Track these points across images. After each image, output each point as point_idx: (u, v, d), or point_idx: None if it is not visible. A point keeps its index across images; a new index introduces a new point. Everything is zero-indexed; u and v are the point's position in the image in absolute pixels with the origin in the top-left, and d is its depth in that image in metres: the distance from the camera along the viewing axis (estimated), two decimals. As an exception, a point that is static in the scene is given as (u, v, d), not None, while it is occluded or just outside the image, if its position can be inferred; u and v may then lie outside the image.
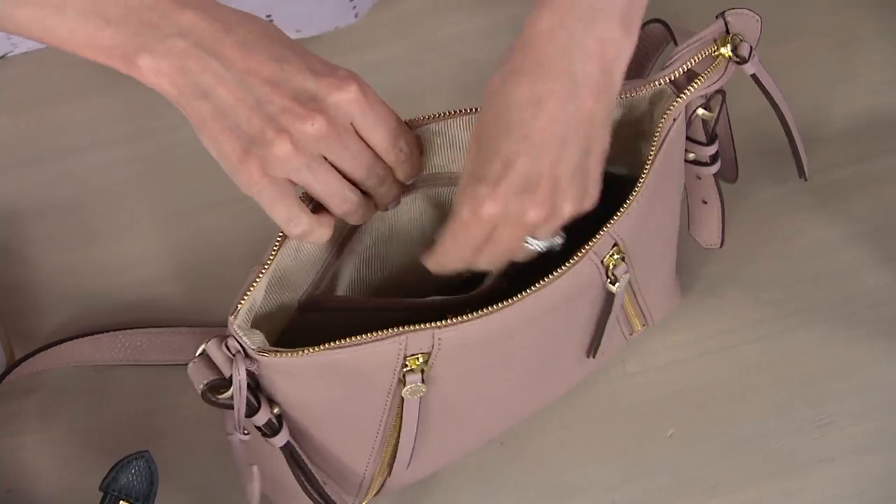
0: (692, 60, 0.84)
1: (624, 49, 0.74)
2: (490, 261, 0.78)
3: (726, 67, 0.85)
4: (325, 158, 0.74)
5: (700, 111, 0.85)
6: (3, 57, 1.06)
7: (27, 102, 1.05)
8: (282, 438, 0.80)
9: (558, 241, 0.79)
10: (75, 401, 0.95)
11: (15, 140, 1.03)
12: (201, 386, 0.76)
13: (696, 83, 0.83)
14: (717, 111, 0.86)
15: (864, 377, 0.97)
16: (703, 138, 0.87)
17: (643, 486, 0.94)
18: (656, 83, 0.83)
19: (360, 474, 0.87)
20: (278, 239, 0.78)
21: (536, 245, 0.78)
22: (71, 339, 0.95)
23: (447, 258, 0.78)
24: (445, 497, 0.93)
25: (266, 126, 0.71)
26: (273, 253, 0.78)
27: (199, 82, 0.71)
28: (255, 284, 0.77)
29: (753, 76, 0.86)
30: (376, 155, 0.76)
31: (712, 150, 0.88)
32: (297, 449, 0.82)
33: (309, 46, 1.01)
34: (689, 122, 0.86)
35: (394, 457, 0.86)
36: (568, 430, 0.95)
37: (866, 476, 0.94)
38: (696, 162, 0.89)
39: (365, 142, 0.75)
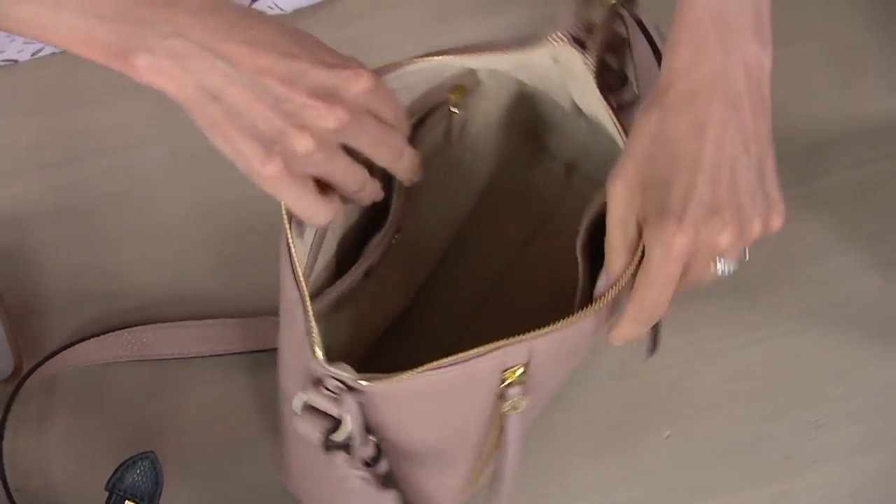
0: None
1: (766, 62, 0.73)
2: (672, 293, 0.75)
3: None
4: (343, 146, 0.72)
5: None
6: (14, 62, 1.05)
7: (48, 105, 1.04)
8: (383, 466, 0.77)
9: (745, 258, 0.76)
10: (81, 402, 0.95)
11: (38, 143, 1.03)
12: (319, 436, 0.72)
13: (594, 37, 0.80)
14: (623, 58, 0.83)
15: (858, 380, 0.97)
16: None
17: (640, 487, 0.94)
18: (554, 38, 0.80)
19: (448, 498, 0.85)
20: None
21: (725, 268, 0.75)
22: (77, 342, 0.95)
23: (644, 311, 0.75)
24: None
25: (287, 124, 0.69)
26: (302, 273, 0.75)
27: (205, 83, 0.69)
28: (309, 312, 0.74)
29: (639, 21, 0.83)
30: (391, 129, 0.74)
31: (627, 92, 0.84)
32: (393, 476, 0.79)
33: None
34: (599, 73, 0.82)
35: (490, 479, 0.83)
36: (567, 431, 0.95)
37: (860, 477, 0.94)
38: None
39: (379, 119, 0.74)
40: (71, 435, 0.94)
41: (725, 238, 0.72)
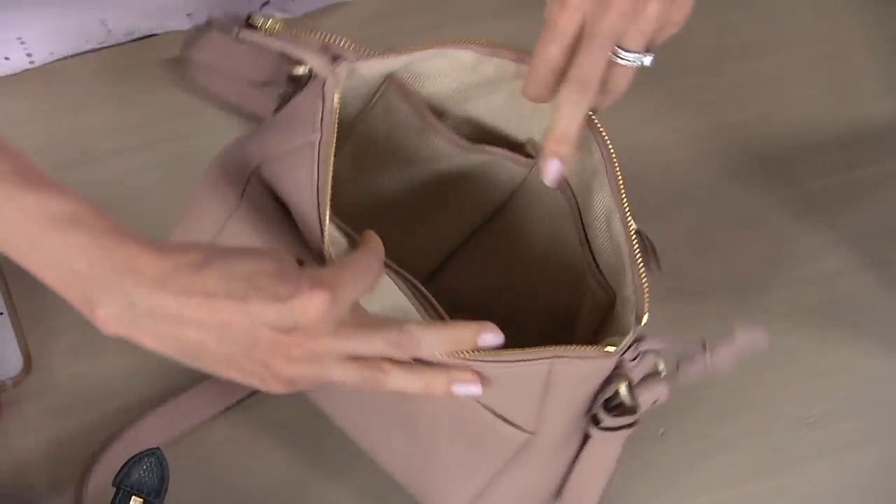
0: None
1: None
2: (583, 80, 0.77)
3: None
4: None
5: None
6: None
7: (50, 111, 1.05)
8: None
9: (648, 59, 0.79)
10: (88, 401, 0.95)
11: (41, 147, 1.03)
12: None
13: None
14: None
15: (849, 377, 0.97)
16: None
17: (637, 483, 0.94)
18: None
19: None
20: None
21: (628, 59, 0.78)
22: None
23: (539, 66, 0.78)
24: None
25: (265, 366, 0.73)
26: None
27: (179, 345, 0.73)
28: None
29: None
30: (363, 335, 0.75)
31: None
32: None
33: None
34: None
35: None
36: None
37: (852, 472, 0.94)
38: None
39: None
40: (77, 432, 0.94)
41: (620, 6, 0.75)
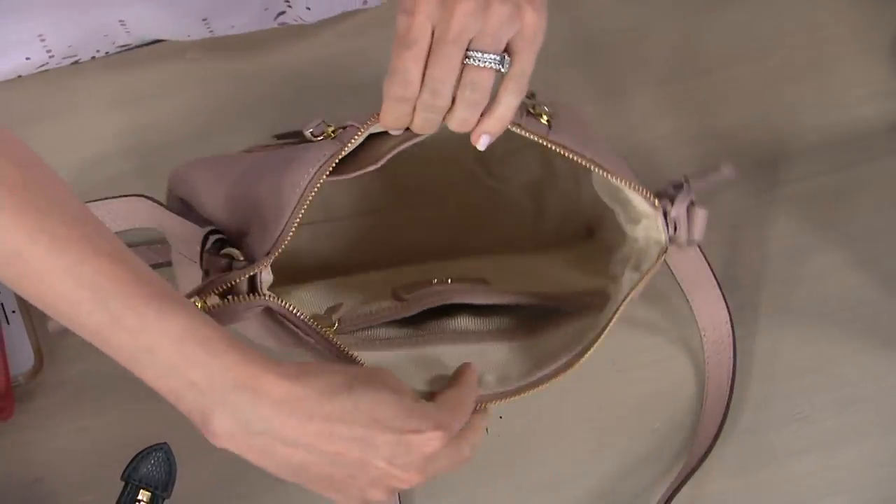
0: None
1: None
2: (436, 88, 0.77)
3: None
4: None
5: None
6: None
7: (63, 110, 1.05)
8: None
9: (506, 62, 0.77)
10: (98, 396, 0.96)
11: (53, 147, 1.03)
12: None
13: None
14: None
15: (838, 373, 0.98)
16: None
17: (631, 477, 0.94)
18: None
19: None
20: None
21: (480, 60, 0.76)
22: None
23: (394, 77, 0.77)
24: (444, 486, 0.94)
25: (365, 488, 0.74)
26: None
27: (289, 464, 0.73)
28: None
29: None
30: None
31: None
32: None
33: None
34: None
35: None
36: (560, 424, 0.96)
37: (841, 467, 0.95)
38: None
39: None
40: (88, 427, 0.95)
41: (463, 7, 0.74)
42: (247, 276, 0.79)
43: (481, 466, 0.94)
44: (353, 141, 0.81)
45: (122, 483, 0.82)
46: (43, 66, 1.05)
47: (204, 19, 1.04)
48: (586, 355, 0.88)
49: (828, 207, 1.03)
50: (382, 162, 0.82)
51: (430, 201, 0.98)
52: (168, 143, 1.03)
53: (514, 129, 0.82)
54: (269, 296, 0.79)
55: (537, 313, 0.92)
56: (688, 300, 0.98)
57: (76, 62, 1.06)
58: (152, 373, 0.72)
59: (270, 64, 1.07)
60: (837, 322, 0.99)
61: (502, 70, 0.77)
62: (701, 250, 0.96)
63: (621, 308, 0.88)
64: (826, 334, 0.99)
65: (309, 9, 1.05)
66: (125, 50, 1.06)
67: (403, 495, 0.93)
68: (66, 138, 1.04)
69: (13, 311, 0.97)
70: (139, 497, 0.82)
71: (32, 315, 0.98)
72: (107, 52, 1.06)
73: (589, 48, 1.08)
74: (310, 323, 0.81)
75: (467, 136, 0.80)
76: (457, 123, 0.79)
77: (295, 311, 0.80)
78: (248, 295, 0.79)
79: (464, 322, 0.91)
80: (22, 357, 0.96)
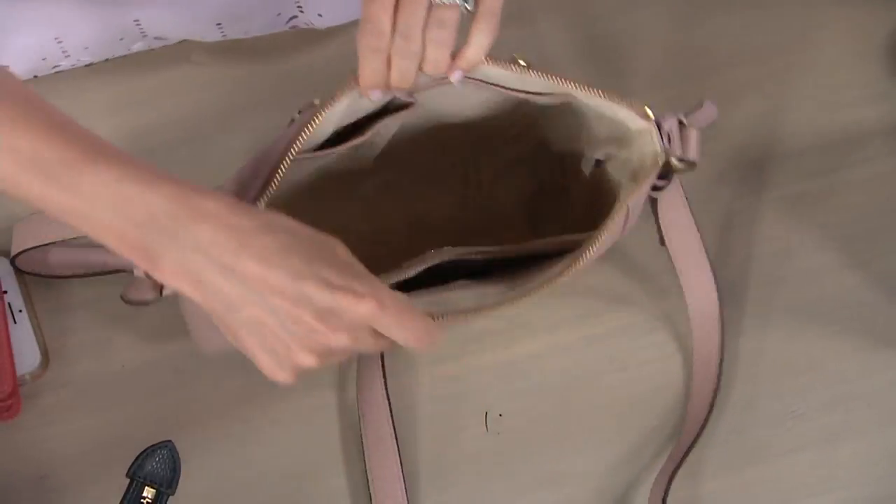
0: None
1: None
2: (407, 31, 0.79)
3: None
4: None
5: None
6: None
7: (85, 113, 1.04)
8: None
9: (471, 1, 0.80)
10: (103, 395, 0.96)
11: None
12: None
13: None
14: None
15: (833, 372, 0.98)
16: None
17: (627, 473, 0.95)
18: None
19: None
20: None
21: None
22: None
23: (366, 35, 0.79)
24: (444, 482, 0.95)
25: (293, 346, 0.73)
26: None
27: (220, 298, 0.72)
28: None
29: None
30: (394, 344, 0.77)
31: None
32: None
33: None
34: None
35: None
36: (558, 423, 0.96)
37: (836, 464, 0.95)
38: None
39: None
40: (94, 425, 0.95)
41: None
42: None
43: (481, 463, 0.95)
44: (320, 115, 0.82)
45: (128, 480, 0.83)
46: (57, 66, 1.05)
47: (218, 24, 1.04)
48: (579, 264, 0.87)
49: (822, 208, 1.03)
50: (368, 135, 0.85)
51: (425, 233, 0.98)
52: (171, 145, 1.04)
53: (492, 65, 0.84)
54: None
55: (531, 268, 0.92)
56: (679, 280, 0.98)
57: (90, 65, 1.07)
58: (97, 222, 0.72)
59: (275, 68, 1.07)
60: (832, 321, 1.00)
61: (468, 8, 0.80)
62: (697, 228, 0.97)
63: (617, 215, 0.87)
64: (820, 334, 0.99)
65: (321, 15, 1.05)
66: (142, 52, 1.07)
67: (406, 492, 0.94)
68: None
69: (20, 311, 0.97)
70: (144, 494, 0.82)
71: (39, 315, 0.98)
72: (124, 54, 1.07)
73: (587, 51, 1.08)
74: None
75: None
76: (430, 65, 0.81)
77: None
78: None
79: (461, 283, 0.91)
80: (29, 356, 0.96)
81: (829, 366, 0.98)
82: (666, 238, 0.96)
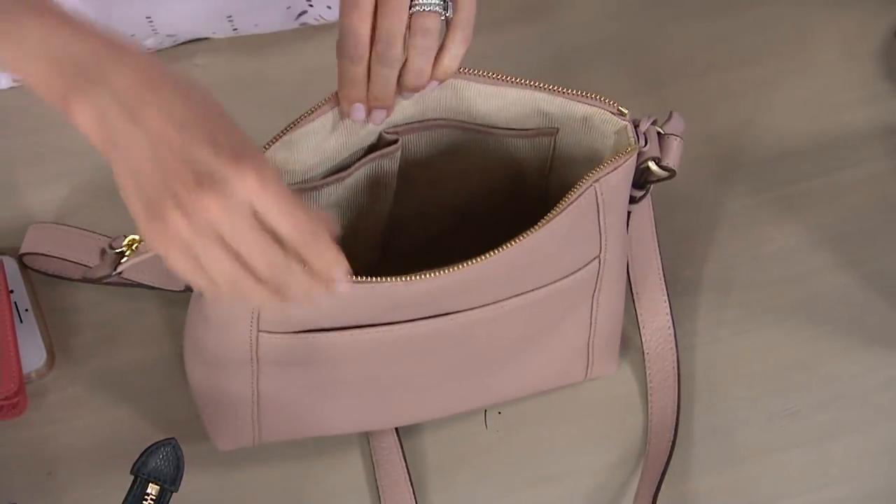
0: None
1: None
2: (388, 38, 0.78)
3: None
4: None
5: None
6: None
7: (54, 123, 1.05)
8: None
9: (450, 7, 0.79)
10: (108, 393, 0.97)
11: (75, 150, 1.04)
12: None
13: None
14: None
15: (827, 370, 0.98)
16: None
17: (621, 472, 0.95)
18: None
19: None
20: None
21: (424, 6, 0.78)
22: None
23: (346, 45, 0.78)
24: (443, 480, 0.95)
25: (165, 198, 0.70)
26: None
27: (116, 139, 0.71)
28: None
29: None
30: (279, 244, 0.71)
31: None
32: None
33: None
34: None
35: None
36: (556, 421, 0.97)
37: (830, 462, 0.95)
38: None
39: (267, 229, 0.71)
40: (99, 423, 0.96)
41: None
42: None
43: (481, 461, 0.96)
44: (296, 128, 0.82)
45: (132, 477, 0.82)
46: None
47: (229, 17, 1.04)
48: (530, 237, 0.83)
49: (817, 209, 1.04)
50: (352, 171, 0.85)
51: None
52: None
53: (468, 79, 0.83)
54: None
55: None
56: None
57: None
58: (29, 72, 0.72)
59: (278, 69, 1.07)
60: (825, 321, 1.00)
61: (448, 14, 0.79)
62: (659, 251, 0.98)
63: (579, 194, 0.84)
64: (814, 333, 0.99)
65: (330, 7, 1.05)
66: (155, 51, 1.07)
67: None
68: (71, 143, 1.05)
69: (26, 310, 0.98)
70: (148, 491, 0.82)
71: (45, 314, 0.99)
72: None
73: (583, 55, 1.09)
74: None
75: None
76: (413, 75, 0.80)
77: None
78: None
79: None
80: (34, 354, 0.96)
81: (823, 365, 0.99)
82: (630, 255, 0.97)
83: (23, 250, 0.98)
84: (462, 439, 0.96)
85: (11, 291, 0.98)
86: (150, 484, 0.82)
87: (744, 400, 0.98)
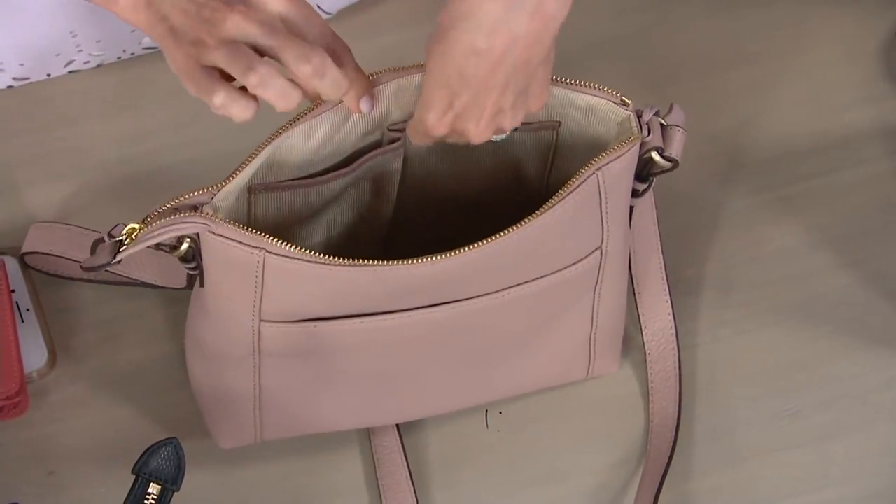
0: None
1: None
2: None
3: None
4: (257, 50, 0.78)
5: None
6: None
7: (54, 123, 1.06)
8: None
9: (500, 137, 0.82)
10: (110, 392, 0.97)
11: (79, 149, 1.05)
12: None
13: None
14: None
15: (827, 371, 0.98)
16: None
17: (623, 470, 0.95)
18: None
19: None
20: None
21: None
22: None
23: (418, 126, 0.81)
24: (447, 478, 0.95)
25: (199, 23, 0.77)
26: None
27: (160, 9, 0.78)
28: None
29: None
30: (302, 43, 0.78)
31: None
32: None
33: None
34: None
35: None
36: (558, 419, 0.97)
37: (830, 461, 0.95)
38: None
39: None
40: (100, 422, 0.96)
41: (485, 121, 0.79)
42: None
43: (482, 460, 0.96)
44: (293, 126, 0.82)
45: (133, 476, 0.82)
46: (70, 63, 1.06)
47: None
48: (535, 224, 0.84)
49: (817, 209, 1.04)
50: (354, 167, 0.85)
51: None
52: (174, 147, 1.05)
53: None
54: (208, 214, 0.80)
55: None
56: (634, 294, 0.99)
57: (100, 66, 1.07)
58: None
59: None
60: (826, 321, 1.00)
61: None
62: (662, 251, 0.98)
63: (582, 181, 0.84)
64: (814, 333, 1.00)
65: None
66: (152, 51, 1.07)
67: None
68: (71, 143, 1.06)
69: (27, 310, 0.98)
70: (149, 490, 0.82)
71: (46, 313, 0.99)
72: (132, 53, 1.07)
73: (585, 55, 1.08)
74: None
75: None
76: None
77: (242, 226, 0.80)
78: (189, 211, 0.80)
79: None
80: (36, 354, 0.97)
81: (823, 365, 0.99)
82: (632, 251, 0.97)
83: (24, 250, 0.98)
84: (463, 438, 0.96)
85: (13, 291, 0.98)
86: (152, 483, 0.82)
87: (744, 400, 0.97)
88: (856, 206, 1.04)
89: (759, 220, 1.03)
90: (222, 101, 0.78)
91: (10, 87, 1.07)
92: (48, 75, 1.06)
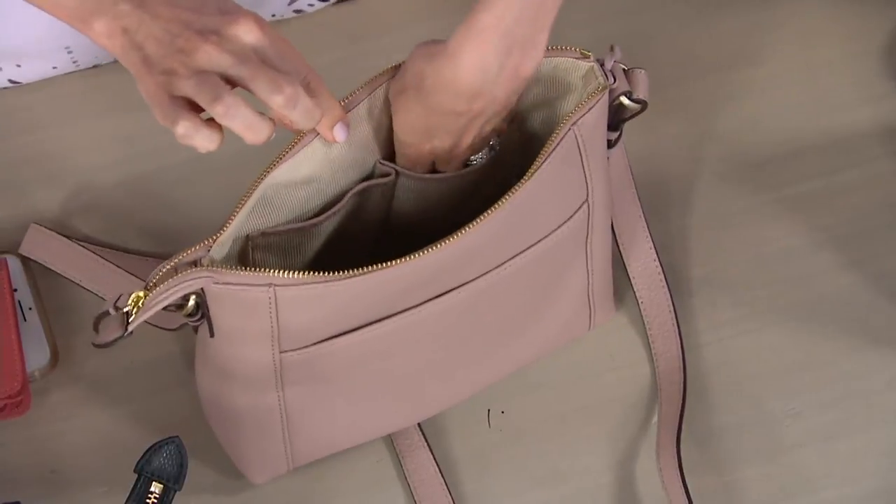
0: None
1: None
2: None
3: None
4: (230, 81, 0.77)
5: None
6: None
7: (54, 122, 1.07)
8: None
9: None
10: (112, 391, 0.97)
11: (61, 151, 1.05)
12: None
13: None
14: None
15: (831, 371, 0.98)
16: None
17: (626, 470, 0.95)
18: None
19: None
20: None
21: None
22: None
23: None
24: (449, 478, 0.94)
25: (172, 56, 0.77)
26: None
27: (135, 38, 0.77)
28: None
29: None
30: (276, 72, 0.78)
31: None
32: None
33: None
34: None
35: None
36: (559, 419, 0.97)
37: (833, 461, 0.95)
38: None
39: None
40: (102, 421, 0.96)
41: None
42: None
43: (485, 460, 0.95)
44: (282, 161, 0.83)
45: (135, 475, 0.82)
46: (69, 64, 1.06)
47: None
48: (519, 191, 0.84)
49: (820, 209, 1.03)
50: (345, 202, 0.86)
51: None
52: (172, 148, 1.02)
53: None
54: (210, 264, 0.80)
55: None
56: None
57: (98, 66, 1.08)
58: (54, 4, 0.79)
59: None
60: (829, 321, 1.00)
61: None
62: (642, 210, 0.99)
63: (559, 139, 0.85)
64: (818, 333, 0.99)
65: None
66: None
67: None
68: (71, 143, 1.05)
69: (30, 309, 0.98)
70: (151, 489, 0.82)
71: (48, 312, 0.99)
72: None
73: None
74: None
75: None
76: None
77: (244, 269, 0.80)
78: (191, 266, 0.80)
79: None
80: (38, 353, 0.97)
81: (827, 365, 0.99)
82: (614, 219, 0.98)
83: (22, 252, 0.99)
84: (463, 439, 0.96)
85: (15, 290, 0.98)
86: (154, 482, 0.82)
87: (747, 400, 0.97)
88: (858, 206, 1.04)
89: (761, 221, 1.03)
90: (185, 130, 0.78)
91: (10, 87, 1.06)
92: (50, 69, 1.06)
